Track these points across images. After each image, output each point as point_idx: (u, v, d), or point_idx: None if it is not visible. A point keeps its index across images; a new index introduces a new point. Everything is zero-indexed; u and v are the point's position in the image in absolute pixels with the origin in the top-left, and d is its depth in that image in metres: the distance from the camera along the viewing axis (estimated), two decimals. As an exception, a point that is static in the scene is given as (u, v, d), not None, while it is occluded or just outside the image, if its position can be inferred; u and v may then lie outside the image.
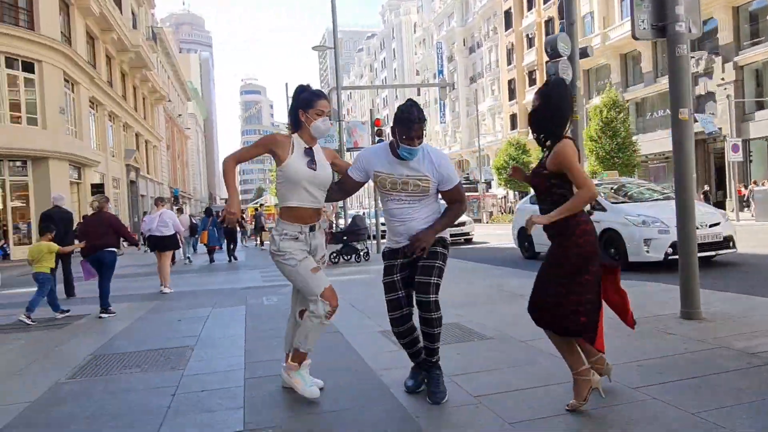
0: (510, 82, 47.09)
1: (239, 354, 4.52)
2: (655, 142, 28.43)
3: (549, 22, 40.66)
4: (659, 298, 5.65)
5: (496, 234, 21.27)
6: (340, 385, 3.53)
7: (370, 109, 22.90)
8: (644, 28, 4.69)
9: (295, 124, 3.26)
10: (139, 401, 3.45)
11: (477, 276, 8.69)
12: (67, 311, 7.15)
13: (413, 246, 3.06)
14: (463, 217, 13.63)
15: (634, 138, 27.79)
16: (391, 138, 3.21)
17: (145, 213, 22.53)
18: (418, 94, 72.01)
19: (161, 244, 9.61)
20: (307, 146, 3.23)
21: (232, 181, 3.17)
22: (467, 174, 50.49)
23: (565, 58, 5.92)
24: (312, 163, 3.19)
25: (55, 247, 7.16)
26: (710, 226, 8.34)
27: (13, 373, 4.36)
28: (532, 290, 2.96)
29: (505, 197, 43.11)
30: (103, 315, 6.90)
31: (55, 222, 8.04)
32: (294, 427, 2.91)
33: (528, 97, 41.44)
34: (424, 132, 3.07)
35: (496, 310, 5.74)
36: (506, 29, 46.82)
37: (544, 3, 40.87)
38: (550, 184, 2.88)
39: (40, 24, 20.33)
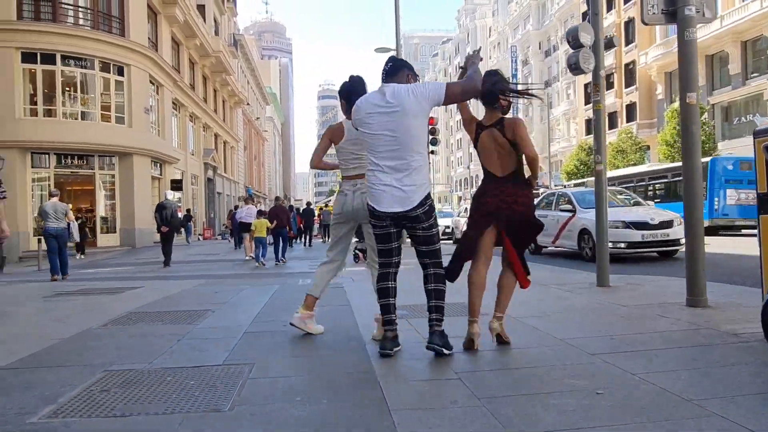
0: (586, 85, 45.53)
1: (251, 315, 4.94)
2: (741, 150, 26.65)
3: (629, 22, 39.14)
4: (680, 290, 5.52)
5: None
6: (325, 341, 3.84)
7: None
8: (654, 13, 4.68)
9: None
10: (150, 342, 3.92)
11: None
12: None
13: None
14: (669, 214, 10.13)
15: (719, 144, 26.14)
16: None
17: (234, 208, 26.96)
18: (491, 99, 71.13)
19: (247, 227, 13.69)
20: None
21: None
22: (538, 181, 49.34)
23: (588, 47, 5.91)
24: None
25: (269, 223, 12.01)
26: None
27: (62, 319, 5.04)
28: None
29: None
30: (280, 262, 12.06)
31: (166, 208, 12.17)
32: (265, 364, 3.24)
33: (607, 100, 39.92)
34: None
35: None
36: (583, 31, 45.44)
37: (625, 3, 39.35)
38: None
39: (130, 31, 22.22)
